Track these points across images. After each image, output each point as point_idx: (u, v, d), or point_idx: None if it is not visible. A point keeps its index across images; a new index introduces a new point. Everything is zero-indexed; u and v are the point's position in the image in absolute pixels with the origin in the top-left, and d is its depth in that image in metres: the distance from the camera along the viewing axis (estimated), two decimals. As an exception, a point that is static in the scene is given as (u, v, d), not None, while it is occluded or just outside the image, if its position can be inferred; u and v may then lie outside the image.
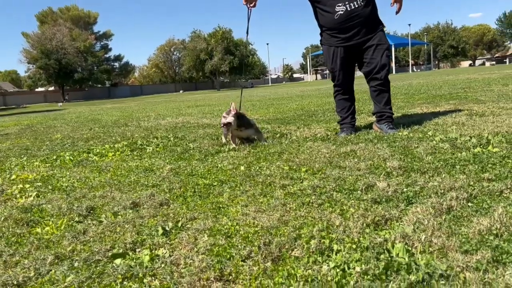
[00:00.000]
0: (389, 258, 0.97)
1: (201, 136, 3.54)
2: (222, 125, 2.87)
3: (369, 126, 3.29)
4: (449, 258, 0.97)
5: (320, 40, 3.18)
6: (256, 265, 1.02)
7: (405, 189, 1.51)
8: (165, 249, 1.18)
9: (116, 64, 50.29)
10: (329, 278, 0.91)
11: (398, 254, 0.99)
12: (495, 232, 1.09)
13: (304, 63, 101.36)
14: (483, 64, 68.38)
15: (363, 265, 0.95)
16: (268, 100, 9.21)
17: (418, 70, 69.37)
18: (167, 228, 1.33)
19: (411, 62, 65.30)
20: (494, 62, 61.97)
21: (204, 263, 1.04)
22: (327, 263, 0.99)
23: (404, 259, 0.96)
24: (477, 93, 5.65)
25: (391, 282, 0.87)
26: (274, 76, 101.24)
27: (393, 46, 58.34)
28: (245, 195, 1.61)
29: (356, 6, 2.88)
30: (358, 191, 1.53)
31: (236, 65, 49.39)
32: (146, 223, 1.41)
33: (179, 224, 1.37)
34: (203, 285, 0.95)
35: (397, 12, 3.15)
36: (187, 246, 1.18)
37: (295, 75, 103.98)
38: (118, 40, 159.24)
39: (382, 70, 3.03)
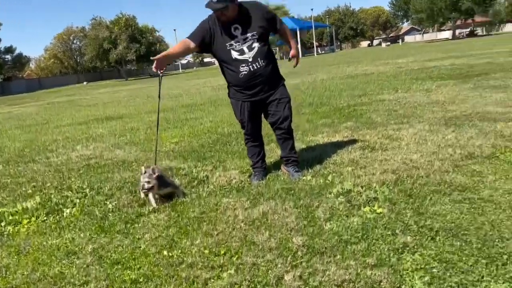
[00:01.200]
0: None
1: (118, 187, 3.58)
2: (146, 190, 2.98)
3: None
4: None
5: (228, 93, 3.39)
6: None
7: (303, 285, 1.80)
8: None
9: (8, 57, 45.78)
10: None
11: None
12: None
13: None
14: (380, 44, 73.68)
15: None
16: (180, 108, 9.24)
17: (323, 52, 72.70)
18: None
19: (315, 44, 68.04)
20: (389, 43, 67.11)
21: None
22: None
23: None
24: (371, 106, 6.30)
25: None
26: (184, 61, 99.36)
27: (298, 29, 60.38)
28: (172, 300, 1.80)
29: (258, 66, 3.12)
30: (269, 287, 1.80)
31: (143, 53, 47.67)
32: None
33: None
34: None
35: (294, 66, 3.50)
36: None
37: (205, 60, 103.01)
38: (7, 30, 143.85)
39: (286, 121, 3.34)
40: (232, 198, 3.00)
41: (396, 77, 10.21)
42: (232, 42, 3.08)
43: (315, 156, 3.85)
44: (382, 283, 1.74)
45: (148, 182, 2.96)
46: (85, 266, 2.21)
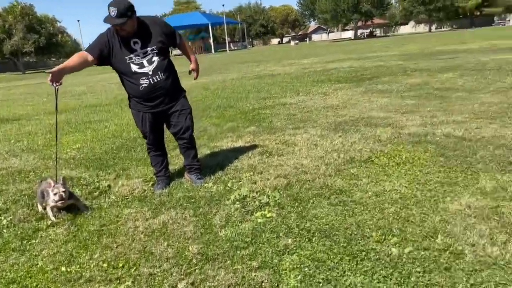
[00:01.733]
0: None
1: (14, 200, 3.47)
2: (61, 202, 2.95)
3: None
4: None
5: (129, 105, 3.46)
6: None
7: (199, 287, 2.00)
8: None
9: None
10: None
11: None
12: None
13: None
14: (289, 42, 76.33)
15: None
16: (84, 109, 8.90)
17: (235, 48, 73.41)
18: None
19: (227, 40, 68.44)
20: (297, 41, 69.79)
21: None
22: None
23: None
24: (274, 109, 6.69)
25: None
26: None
27: (210, 25, 60.23)
28: (69, 316, 1.89)
29: (159, 79, 3.24)
30: (164, 297, 1.97)
31: (43, 44, 44.29)
32: None
33: None
34: None
35: (195, 79, 3.68)
36: None
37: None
38: None
39: (187, 131, 3.50)
40: (133, 209, 3.10)
41: (299, 79, 10.83)
42: (132, 55, 3.16)
43: (218, 162, 4.06)
44: (263, 284, 2.00)
45: (65, 193, 2.95)
46: (-23, 289, 2.19)
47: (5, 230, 2.92)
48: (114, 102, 9.81)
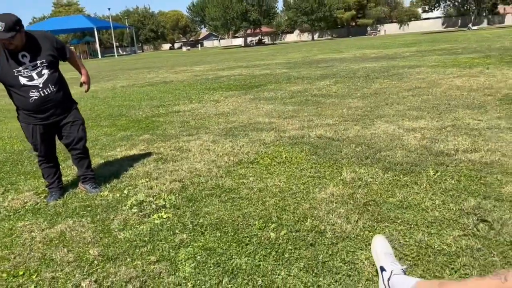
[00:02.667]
0: None
1: None
2: None
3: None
4: None
5: (18, 117, 3.44)
6: None
7: (98, 287, 2.20)
8: None
9: None
10: None
11: None
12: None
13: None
14: (181, 47, 76.03)
15: None
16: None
17: (124, 53, 70.84)
18: None
19: (115, 44, 65.83)
20: (189, 47, 69.90)
21: None
22: None
23: None
24: (167, 117, 6.89)
25: None
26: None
27: (95, 28, 57.36)
28: (-29, 325, 1.95)
29: (49, 92, 3.30)
30: (69, 296, 2.13)
31: None
32: None
33: None
34: None
35: (86, 91, 3.79)
36: None
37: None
38: None
39: (80, 142, 3.60)
40: (28, 221, 3.11)
41: (192, 87, 11.12)
42: (20, 68, 3.18)
43: (113, 171, 4.17)
44: (162, 274, 2.27)
45: None
46: None
47: None
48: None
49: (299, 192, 3.22)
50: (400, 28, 66.99)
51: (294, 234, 2.57)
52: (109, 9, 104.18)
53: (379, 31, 66.08)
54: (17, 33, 3.02)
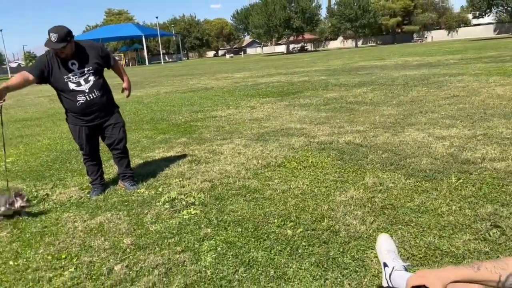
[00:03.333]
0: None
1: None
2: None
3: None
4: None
5: (67, 119, 3.82)
6: None
7: (131, 273, 2.45)
8: None
9: None
10: None
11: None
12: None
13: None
14: (224, 55, 77.34)
15: None
16: (14, 124, 8.84)
17: (170, 60, 73.00)
18: None
19: (162, 51, 67.94)
20: (232, 54, 71.05)
21: None
22: None
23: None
24: (205, 122, 7.21)
25: None
26: (14, 65, 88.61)
27: (143, 36, 59.52)
28: (20, 297, 2.26)
29: (94, 96, 3.65)
30: (102, 277, 2.40)
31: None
32: None
33: None
34: None
35: (127, 97, 4.13)
36: None
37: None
38: None
39: (120, 143, 3.92)
40: (72, 213, 3.45)
41: (231, 93, 11.45)
42: (70, 75, 3.55)
43: (150, 170, 4.49)
44: (185, 262, 2.50)
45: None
46: None
47: None
48: (45, 116, 9.79)
49: (320, 195, 3.37)
50: (448, 34, 64.85)
51: (309, 232, 2.73)
52: (156, 17, 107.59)
53: (426, 37, 64.30)
54: (68, 43, 3.38)
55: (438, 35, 64.57)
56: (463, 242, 2.41)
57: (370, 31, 63.37)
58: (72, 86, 3.58)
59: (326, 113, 7.09)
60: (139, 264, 2.51)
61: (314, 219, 2.92)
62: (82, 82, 3.60)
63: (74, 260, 2.63)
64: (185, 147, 5.43)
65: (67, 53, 3.47)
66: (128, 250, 2.71)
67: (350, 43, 72.43)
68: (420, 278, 1.27)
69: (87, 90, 3.61)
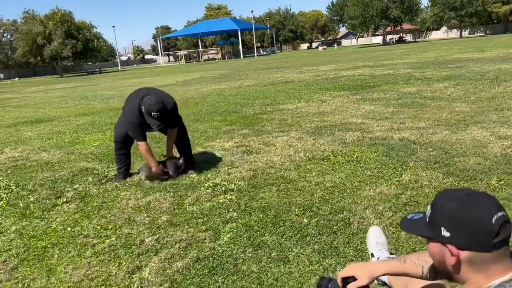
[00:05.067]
0: (129, 293, 2.24)
1: (40, 184, 4.40)
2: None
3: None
4: (155, 288, 2.28)
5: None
6: (67, 306, 2.19)
7: (157, 245, 2.81)
8: (18, 303, 2.27)
9: None
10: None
11: (134, 289, 2.27)
12: (183, 270, 2.44)
13: (155, 44, 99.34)
14: (317, 47, 76.69)
15: (116, 299, 2.20)
16: (108, 112, 9.94)
17: (264, 53, 74.31)
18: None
19: (255, 45, 69.38)
20: (325, 47, 70.22)
21: (41, 309, 2.17)
22: (101, 299, 2.21)
23: (135, 292, 2.24)
24: (271, 115, 7.46)
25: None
26: (124, 58, 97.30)
27: (239, 30, 61.42)
28: (68, 256, 2.74)
29: None
30: (134, 246, 2.79)
31: (80, 49, 46.58)
32: (5, 286, 2.44)
33: (26, 285, 2.44)
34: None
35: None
36: (31, 299, 2.29)
37: (146, 57, 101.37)
38: None
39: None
40: (129, 192, 3.95)
41: (308, 87, 11.54)
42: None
43: (206, 158, 4.88)
44: (205, 239, 2.79)
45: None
46: (9, 240, 3.08)
47: (31, 205, 3.83)
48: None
49: (349, 188, 3.44)
50: None
51: (324, 222, 2.85)
52: (252, 11, 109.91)
53: (546, 25, 57.10)
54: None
55: (561, 22, 56.92)
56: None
57: (478, 20, 58.04)
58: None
59: (394, 108, 6.90)
60: (166, 238, 2.86)
61: (333, 210, 3.02)
62: None
63: (117, 231, 3.07)
64: (244, 138, 5.74)
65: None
66: (162, 226, 3.09)
67: (454, 33, 67.10)
68: (350, 269, 1.39)
69: None
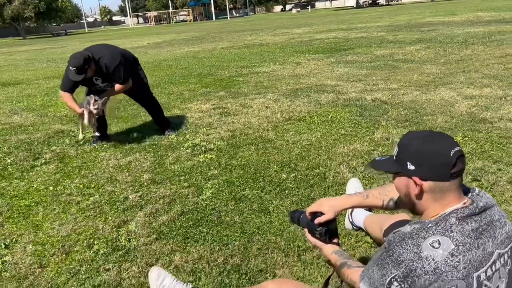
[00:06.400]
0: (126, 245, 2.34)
1: (16, 146, 4.36)
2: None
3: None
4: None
5: None
6: (55, 254, 2.28)
7: (141, 201, 2.90)
8: (9, 256, 2.34)
9: None
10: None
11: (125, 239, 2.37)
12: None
13: (124, 5, 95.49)
14: (291, 10, 75.56)
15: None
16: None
17: (237, 15, 72.77)
18: (7, 243, 2.46)
19: (228, 6, 67.75)
20: (299, 9, 69.27)
21: (31, 261, 2.25)
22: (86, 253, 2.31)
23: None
24: (247, 77, 7.49)
25: (114, 256, 2.25)
26: (91, 19, 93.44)
27: (210, -9, 59.46)
28: (53, 213, 2.80)
29: None
30: (118, 203, 2.88)
31: (43, 9, 44.37)
32: (-8, 242, 2.50)
33: (14, 240, 2.51)
34: (26, 272, 2.18)
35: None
36: (20, 253, 2.36)
37: (114, 18, 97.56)
38: None
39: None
40: (108, 152, 3.99)
41: (283, 49, 11.53)
42: (93, 89, 4.04)
43: (184, 120, 4.92)
44: (189, 195, 2.90)
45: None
46: (-10, 200, 3.10)
47: (9, 166, 3.82)
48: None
49: (324, 146, 3.59)
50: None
51: (301, 177, 3.00)
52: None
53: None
54: (88, 70, 3.68)
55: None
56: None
57: (450, -18, 58.21)
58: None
59: (367, 70, 7.05)
60: (150, 195, 2.95)
61: (309, 166, 3.18)
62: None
63: (100, 189, 3.14)
64: (221, 100, 5.79)
65: (90, 75, 3.80)
66: (145, 183, 3.17)
67: (427, -4, 67.22)
68: (317, 205, 1.53)
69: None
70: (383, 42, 11.04)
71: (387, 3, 66.39)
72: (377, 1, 65.59)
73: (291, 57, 9.75)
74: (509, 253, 1.16)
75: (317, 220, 1.48)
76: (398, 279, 1.10)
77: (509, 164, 2.87)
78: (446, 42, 9.72)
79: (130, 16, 68.33)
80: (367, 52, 9.38)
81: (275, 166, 3.23)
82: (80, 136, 4.32)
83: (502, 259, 1.14)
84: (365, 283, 1.21)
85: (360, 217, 2.16)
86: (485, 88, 4.97)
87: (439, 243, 1.08)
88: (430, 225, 1.12)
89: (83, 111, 3.91)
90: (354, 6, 61.22)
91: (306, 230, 1.54)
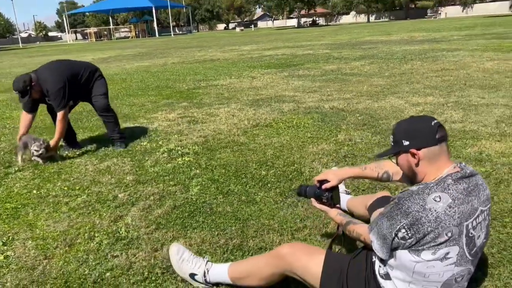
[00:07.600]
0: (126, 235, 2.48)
1: (-17, 156, 4.28)
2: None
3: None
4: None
5: None
6: (58, 247, 2.37)
7: (131, 198, 3.04)
8: (10, 251, 2.39)
9: None
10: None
11: (124, 231, 2.51)
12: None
13: (60, 20, 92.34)
14: (235, 28, 76.87)
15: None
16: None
17: (180, 32, 72.79)
18: (4, 241, 2.50)
19: (172, 24, 67.63)
20: (243, 28, 70.65)
21: (35, 254, 2.33)
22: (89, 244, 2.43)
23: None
24: (206, 89, 7.72)
25: (118, 245, 2.39)
26: (24, 35, 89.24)
27: (153, 8, 59.35)
28: (44, 213, 2.86)
29: None
30: (108, 201, 2.99)
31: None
32: (-13, 241, 2.53)
33: (10, 237, 2.55)
34: (33, 263, 2.26)
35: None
36: (21, 248, 2.42)
37: (50, 34, 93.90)
38: None
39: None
40: (83, 159, 4.04)
41: (235, 65, 11.89)
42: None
43: (153, 128, 5.05)
44: (176, 192, 3.08)
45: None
46: (-29, 205, 3.08)
47: (-19, 174, 3.77)
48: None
49: (296, 147, 3.91)
50: (463, 11, 63.50)
51: (279, 172, 3.29)
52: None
53: (440, 13, 63.12)
54: (31, 91, 3.69)
55: (452, 11, 63.26)
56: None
57: (383, 6, 62.44)
58: None
59: (320, 83, 7.55)
60: (138, 193, 3.10)
61: (286, 163, 3.47)
62: None
63: (86, 190, 3.23)
64: (186, 110, 5.97)
65: (36, 96, 3.82)
66: (130, 184, 3.30)
67: (362, 18, 71.34)
68: (323, 174, 1.83)
69: None
70: (330, 58, 11.75)
71: (326, 24, 69.69)
72: (317, 22, 68.64)
73: (245, 71, 10.12)
74: (487, 211, 1.51)
75: (324, 186, 1.78)
76: (406, 227, 1.40)
77: (456, 158, 3.33)
78: (387, 58, 10.56)
79: (68, 31, 66.10)
80: (316, 67, 9.97)
81: (254, 165, 3.50)
82: (19, 163, 3.98)
83: (483, 215, 1.48)
84: (374, 233, 1.51)
85: (343, 200, 2.48)
86: (429, 96, 5.58)
87: (440, 198, 1.40)
88: (432, 184, 1.44)
89: (20, 139, 3.94)
90: (296, 26, 63.65)
91: (312, 200, 1.82)
